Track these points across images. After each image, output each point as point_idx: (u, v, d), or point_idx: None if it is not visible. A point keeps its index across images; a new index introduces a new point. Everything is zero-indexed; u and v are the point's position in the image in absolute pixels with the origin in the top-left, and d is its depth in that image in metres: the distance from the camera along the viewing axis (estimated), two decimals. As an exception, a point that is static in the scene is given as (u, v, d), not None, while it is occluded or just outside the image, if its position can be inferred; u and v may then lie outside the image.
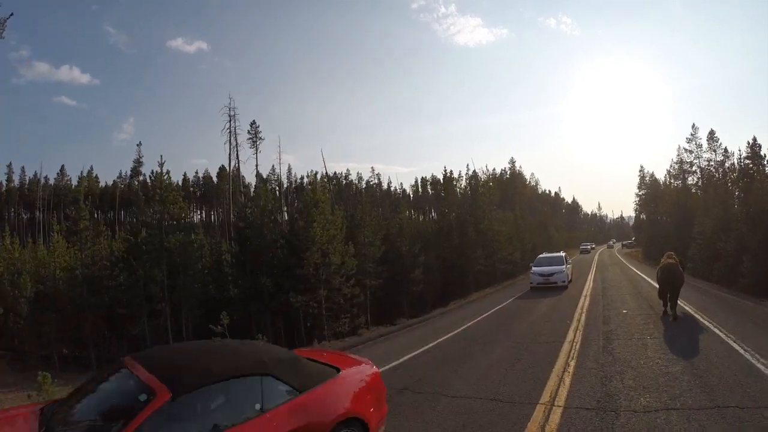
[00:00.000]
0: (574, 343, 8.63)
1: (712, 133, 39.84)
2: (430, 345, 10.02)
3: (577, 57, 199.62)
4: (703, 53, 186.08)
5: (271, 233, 16.93)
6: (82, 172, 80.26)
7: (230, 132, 38.96)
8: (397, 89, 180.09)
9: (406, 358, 8.85)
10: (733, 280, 17.94)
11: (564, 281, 18.85)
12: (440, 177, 78.51)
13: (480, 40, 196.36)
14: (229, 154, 37.87)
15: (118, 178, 76.43)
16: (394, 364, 8.46)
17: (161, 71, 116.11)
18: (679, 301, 12.47)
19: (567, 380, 6.40)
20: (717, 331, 8.95)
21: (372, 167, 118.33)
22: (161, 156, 15.80)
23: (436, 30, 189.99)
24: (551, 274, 18.97)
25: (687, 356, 7.24)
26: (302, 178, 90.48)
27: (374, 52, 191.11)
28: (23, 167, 75.24)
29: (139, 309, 14.44)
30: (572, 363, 7.27)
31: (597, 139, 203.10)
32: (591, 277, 24.23)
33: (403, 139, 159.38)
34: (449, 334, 11.16)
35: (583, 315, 11.86)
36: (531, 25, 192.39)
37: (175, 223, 15.09)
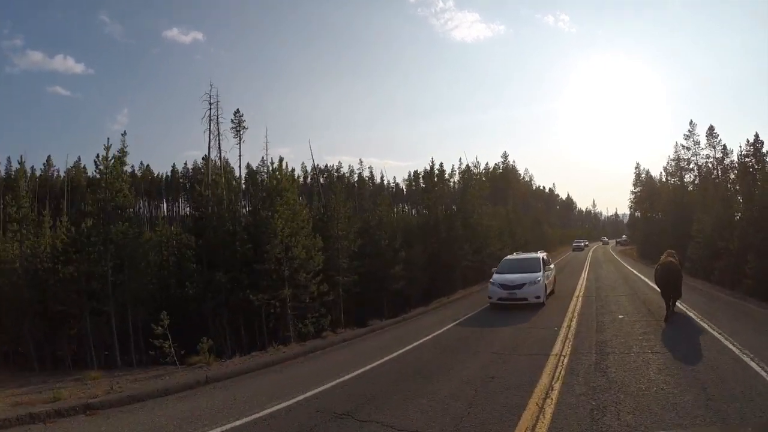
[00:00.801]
0: (562, 358, 7.21)
1: (711, 129, 38.48)
2: (396, 354, 8.63)
3: (574, 54, 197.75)
4: (701, 51, 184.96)
5: (230, 224, 15.40)
6: (66, 162, 78.13)
7: (210, 120, 37.09)
8: (394, 84, 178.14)
9: (360, 371, 7.43)
10: (737, 280, 16.63)
11: (539, 296, 13.08)
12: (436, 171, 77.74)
13: (477, 36, 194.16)
14: (209, 143, 36.13)
15: (105, 168, 74.22)
16: (344, 378, 7.04)
17: (156, 61, 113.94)
18: (681, 305, 11.25)
19: (548, 412, 4.98)
20: (729, 345, 7.55)
21: (360, 159, 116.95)
22: (108, 138, 13.98)
23: (433, 25, 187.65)
24: (519, 286, 13.14)
25: (698, 379, 5.84)
26: (293, 170, 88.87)
27: (372, 46, 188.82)
28: (9, 158, 72.69)
29: (81, 306, 12.95)
30: (557, 385, 5.86)
31: (593, 137, 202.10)
32: (584, 275, 22.94)
33: (400, 134, 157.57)
34: (421, 340, 9.78)
35: (574, 320, 10.47)
36: (528, 21, 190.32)
37: (120, 212, 13.51)
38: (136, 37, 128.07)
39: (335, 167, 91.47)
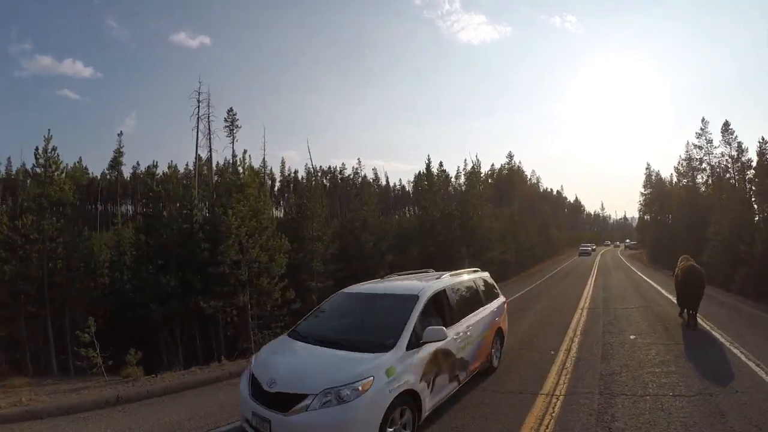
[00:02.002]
0: (553, 400, 5.46)
1: (726, 125, 36.16)
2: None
3: (581, 55, 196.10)
4: (713, 50, 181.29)
5: (183, 223, 13.84)
6: (66, 164, 77.28)
7: (198, 118, 35.59)
8: (400, 86, 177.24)
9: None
10: (764, 291, 14.69)
11: None
12: (435, 171, 75.80)
13: (484, 38, 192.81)
14: (196, 142, 34.68)
15: (107, 169, 73.37)
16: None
17: (164, 65, 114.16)
18: (704, 322, 9.59)
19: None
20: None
21: (359, 158, 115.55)
22: (48, 130, 12.41)
23: (440, 27, 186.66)
24: (282, 403, 3.98)
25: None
26: (295, 171, 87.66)
27: (379, 49, 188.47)
28: (9, 158, 72.04)
29: (14, 308, 11.44)
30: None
31: (601, 138, 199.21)
32: (591, 282, 21.02)
33: (406, 137, 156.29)
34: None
35: (576, 341, 8.66)
36: (535, 22, 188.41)
37: (58, 208, 11.98)
38: (143, 41, 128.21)
39: (339, 169, 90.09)
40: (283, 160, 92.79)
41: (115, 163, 62.90)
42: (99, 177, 70.02)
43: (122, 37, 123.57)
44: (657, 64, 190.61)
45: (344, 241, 17.11)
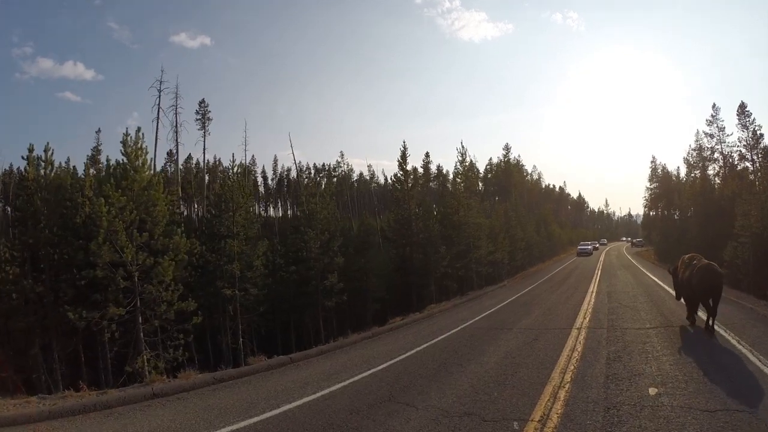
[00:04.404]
0: None
1: (742, 107, 32.55)
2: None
3: (583, 51, 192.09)
4: (720, 41, 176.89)
5: (57, 219, 10.65)
6: (60, 163, 74.61)
7: (159, 108, 32.19)
8: (402, 86, 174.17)
9: None
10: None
11: None
12: (434, 170, 72.32)
13: (485, 36, 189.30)
14: (155, 135, 31.38)
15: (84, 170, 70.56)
16: None
17: (164, 66, 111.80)
18: (742, 346, 6.64)
19: None
20: None
21: (341, 152, 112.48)
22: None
23: (440, 25, 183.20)
24: None
25: None
26: (288, 169, 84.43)
27: (378, 48, 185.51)
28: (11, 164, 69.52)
29: None
30: None
31: (604, 135, 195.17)
32: (593, 288, 17.52)
33: (407, 136, 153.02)
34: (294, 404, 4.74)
35: (560, 400, 5.24)
36: (536, 19, 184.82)
37: None
38: (143, 42, 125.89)
39: (332, 166, 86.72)
40: (275, 158, 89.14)
41: (93, 162, 60.01)
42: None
43: (123, 38, 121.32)
44: (661, 54, 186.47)
45: (286, 241, 13.81)
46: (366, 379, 6.82)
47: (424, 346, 8.72)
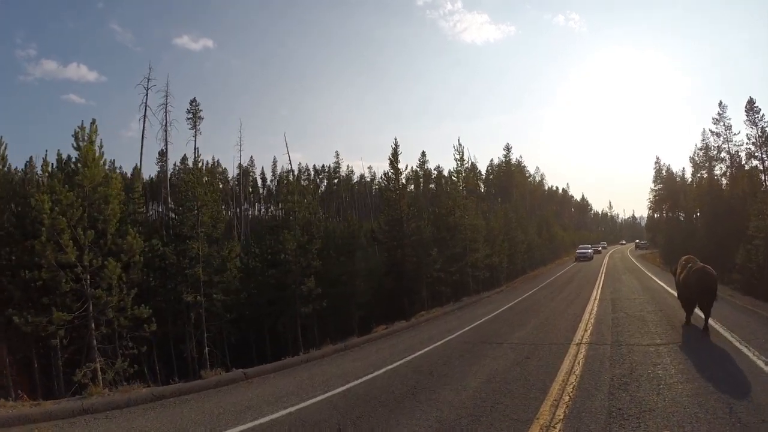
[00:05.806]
0: None
1: (751, 102, 31.13)
2: None
3: (585, 53, 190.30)
4: (720, 41, 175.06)
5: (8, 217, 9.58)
6: (52, 165, 74.02)
7: (146, 106, 30.96)
8: (405, 88, 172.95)
9: None
10: None
11: None
12: (433, 171, 71.08)
13: (488, 38, 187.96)
14: (142, 132, 30.20)
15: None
16: None
17: (167, 68, 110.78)
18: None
19: None
20: None
21: (336, 151, 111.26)
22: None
23: (442, 27, 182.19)
24: None
25: None
26: (288, 171, 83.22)
27: (381, 50, 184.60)
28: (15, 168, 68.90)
29: None
30: None
31: (607, 136, 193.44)
32: (596, 295, 16.27)
33: (411, 138, 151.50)
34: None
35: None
36: (538, 21, 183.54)
37: None
38: (146, 44, 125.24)
39: (332, 168, 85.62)
40: (275, 160, 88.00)
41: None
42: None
43: (126, 40, 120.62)
44: (663, 55, 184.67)
45: (262, 242, 12.68)
46: (317, 404, 5.68)
47: (397, 363, 7.54)
